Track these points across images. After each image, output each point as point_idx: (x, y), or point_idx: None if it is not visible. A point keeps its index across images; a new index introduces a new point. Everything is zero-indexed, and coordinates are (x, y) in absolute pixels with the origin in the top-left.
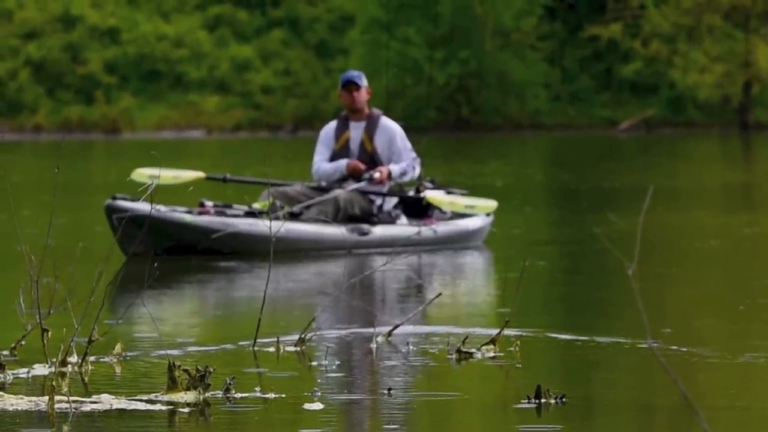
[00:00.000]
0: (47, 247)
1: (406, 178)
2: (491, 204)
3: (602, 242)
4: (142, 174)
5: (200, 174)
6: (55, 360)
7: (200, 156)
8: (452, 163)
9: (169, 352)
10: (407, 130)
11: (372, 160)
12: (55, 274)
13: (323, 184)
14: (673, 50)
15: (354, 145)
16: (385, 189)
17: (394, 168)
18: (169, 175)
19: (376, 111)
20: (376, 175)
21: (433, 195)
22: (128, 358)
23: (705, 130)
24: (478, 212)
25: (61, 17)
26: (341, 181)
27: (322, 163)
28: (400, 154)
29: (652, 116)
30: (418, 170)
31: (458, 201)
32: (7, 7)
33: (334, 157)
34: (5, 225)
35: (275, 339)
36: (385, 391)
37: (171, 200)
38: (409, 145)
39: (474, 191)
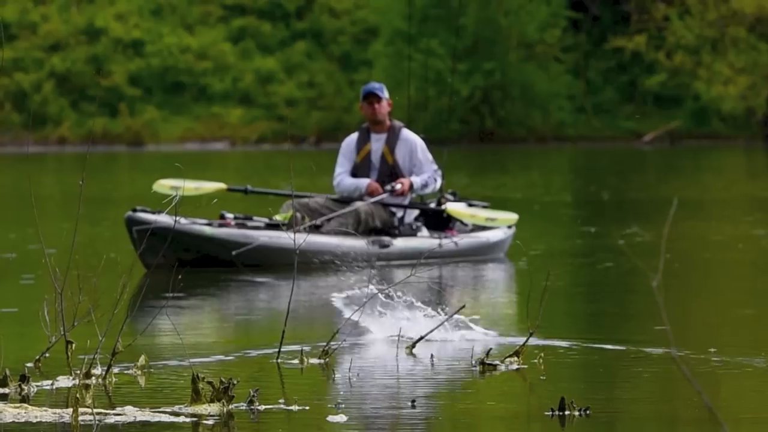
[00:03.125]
0: (71, 260)
1: (428, 190)
2: (512, 217)
3: (626, 254)
4: (164, 185)
5: (222, 185)
6: (79, 372)
7: (224, 168)
8: (475, 175)
9: (192, 363)
10: (430, 142)
11: (393, 172)
12: (79, 286)
13: (345, 195)
14: (698, 62)
15: (375, 158)
16: (406, 201)
17: (416, 180)
18: (191, 187)
19: (397, 123)
20: (398, 186)
21: (454, 207)
22: (152, 370)
23: (729, 142)
24: (499, 225)
25: (85, 30)
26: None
27: (344, 176)
28: (422, 166)
29: (676, 128)
30: (439, 182)
31: (479, 214)
32: (31, 20)
33: (355, 170)
34: (29, 237)
35: (299, 351)
36: (409, 403)
37: (193, 213)
38: (430, 156)
39: (497, 203)
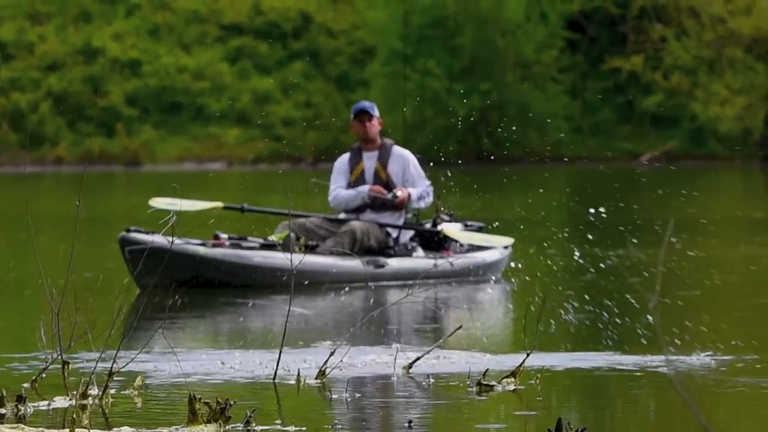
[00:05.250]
0: (67, 280)
1: (422, 204)
2: (507, 241)
3: (623, 274)
4: (160, 202)
5: (218, 204)
6: (75, 392)
7: (221, 188)
8: (472, 194)
9: (189, 383)
10: (427, 162)
11: (387, 187)
12: (75, 306)
13: (341, 216)
14: (695, 82)
15: (368, 175)
16: (400, 221)
17: (413, 191)
18: (187, 204)
19: (387, 140)
20: (399, 193)
21: (450, 229)
22: (149, 390)
23: (726, 162)
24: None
25: (82, 50)
26: (360, 210)
27: (341, 190)
28: (414, 181)
29: (673, 149)
30: (431, 197)
31: (475, 237)
32: (28, 40)
33: (349, 188)
34: (26, 257)
35: (296, 371)
36: (406, 425)
37: (188, 233)
38: (422, 172)
39: (493, 223)
